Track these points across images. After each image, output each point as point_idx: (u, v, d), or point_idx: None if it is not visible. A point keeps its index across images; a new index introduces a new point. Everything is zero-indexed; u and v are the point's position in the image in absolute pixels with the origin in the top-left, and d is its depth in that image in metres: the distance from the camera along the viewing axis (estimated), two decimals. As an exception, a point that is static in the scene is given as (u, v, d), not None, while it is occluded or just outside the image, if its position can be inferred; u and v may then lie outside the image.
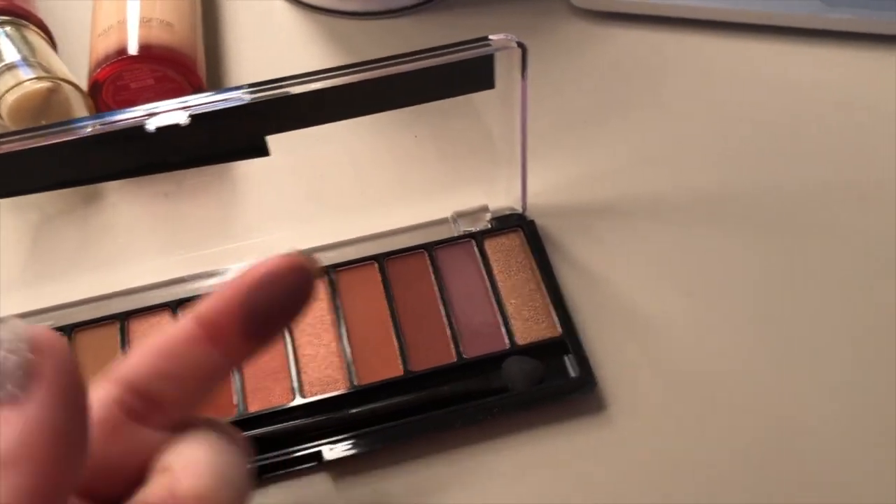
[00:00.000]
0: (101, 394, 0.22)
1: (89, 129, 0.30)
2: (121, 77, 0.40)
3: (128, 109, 0.30)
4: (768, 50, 0.45)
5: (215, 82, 0.45)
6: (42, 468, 0.16)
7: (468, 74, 0.32)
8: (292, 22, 0.48)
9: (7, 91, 0.38)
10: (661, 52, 0.45)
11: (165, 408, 0.22)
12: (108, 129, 0.30)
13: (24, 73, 0.39)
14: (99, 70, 0.40)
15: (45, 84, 0.39)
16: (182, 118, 0.30)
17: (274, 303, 0.22)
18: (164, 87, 0.41)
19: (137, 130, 0.30)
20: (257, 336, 0.22)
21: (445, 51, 0.31)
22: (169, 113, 0.30)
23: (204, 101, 0.30)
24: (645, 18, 0.46)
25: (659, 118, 0.42)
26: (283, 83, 0.31)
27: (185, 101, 0.30)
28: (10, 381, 0.16)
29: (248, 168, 0.41)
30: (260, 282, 0.22)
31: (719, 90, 0.43)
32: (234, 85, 0.44)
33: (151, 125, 0.30)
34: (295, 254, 0.23)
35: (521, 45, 0.31)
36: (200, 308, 0.23)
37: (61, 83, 0.39)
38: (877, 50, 0.44)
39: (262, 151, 0.32)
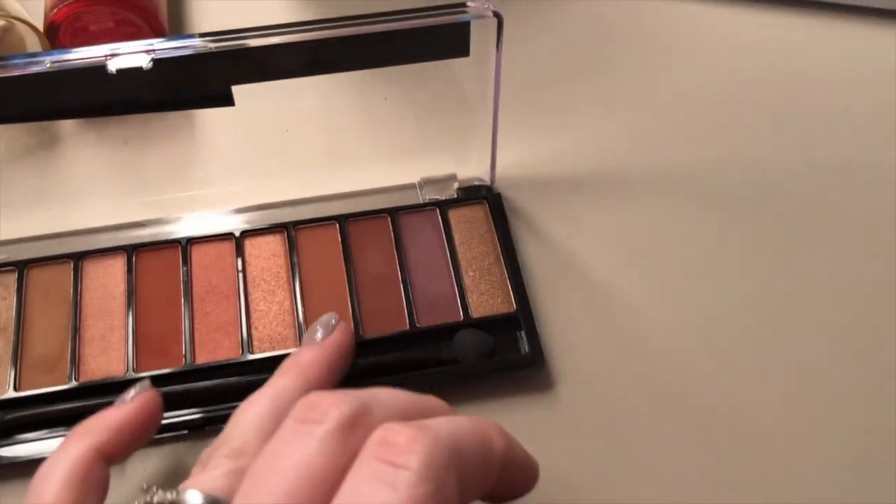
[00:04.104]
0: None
1: (47, 65, 0.29)
2: (80, 18, 0.38)
3: (89, 48, 0.29)
4: (758, 20, 0.44)
5: (176, 31, 0.44)
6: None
7: (442, 40, 0.31)
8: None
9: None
10: (641, 19, 0.44)
11: None
12: (67, 65, 0.29)
13: (-25, 12, 0.37)
14: (56, 10, 0.38)
15: (-3, 22, 0.38)
16: (144, 62, 0.29)
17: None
18: (125, 31, 0.39)
19: (99, 71, 0.29)
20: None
21: (419, 14, 0.30)
22: (131, 55, 0.29)
23: (167, 45, 0.29)
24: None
25: (637, 88, 0.41)
26: (249, 34, 0.30)
27: (150, 45, 0.29)
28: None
29: (210, 118, 0.40)
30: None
31: (702, 61, 0.42)
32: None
33: (113, 66, 0.29)
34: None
35: (497, 14, 0.31)
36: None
37: (15, 22, 0.38)
38: (879, 25, 0.43)
39: (228, 101, 0.31)
